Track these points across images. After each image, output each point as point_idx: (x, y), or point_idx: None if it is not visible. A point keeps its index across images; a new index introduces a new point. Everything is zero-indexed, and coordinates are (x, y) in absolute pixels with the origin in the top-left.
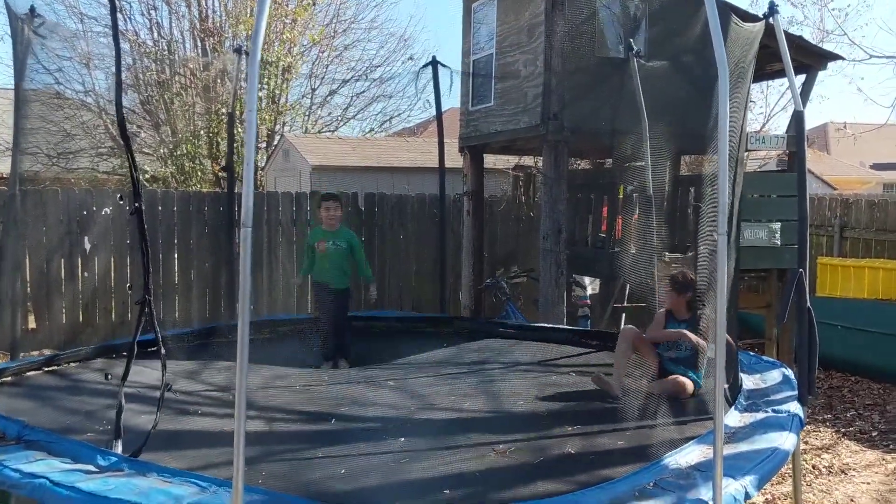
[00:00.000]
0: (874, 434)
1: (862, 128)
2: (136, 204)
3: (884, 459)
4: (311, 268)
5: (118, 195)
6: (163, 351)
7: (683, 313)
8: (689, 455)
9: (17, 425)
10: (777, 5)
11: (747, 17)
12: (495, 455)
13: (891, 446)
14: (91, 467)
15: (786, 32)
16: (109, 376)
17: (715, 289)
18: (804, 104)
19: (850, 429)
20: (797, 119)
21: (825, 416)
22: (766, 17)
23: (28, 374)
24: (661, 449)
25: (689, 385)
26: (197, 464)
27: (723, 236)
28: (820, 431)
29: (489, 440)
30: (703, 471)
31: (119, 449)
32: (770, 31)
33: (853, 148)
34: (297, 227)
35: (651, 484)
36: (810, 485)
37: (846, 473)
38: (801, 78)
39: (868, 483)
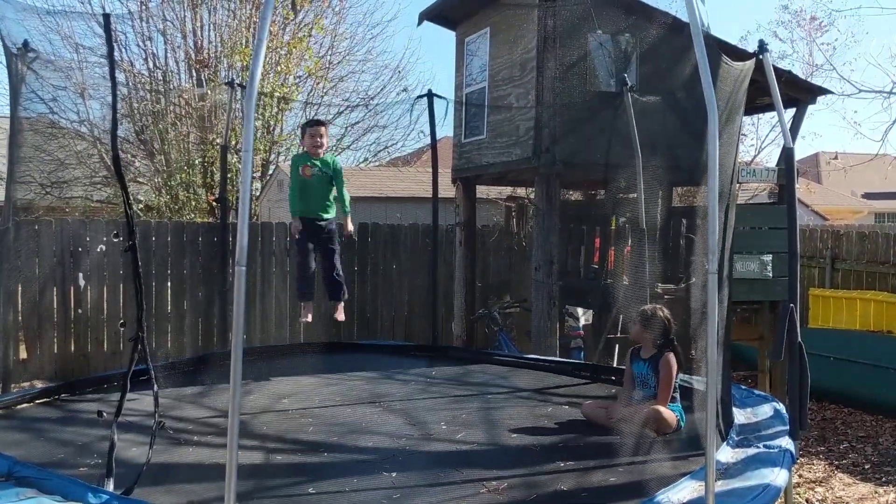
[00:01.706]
0: (867, 466)
1: (852, 159)
2: (130, 242)
3: (876, 492)
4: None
5: (114, 232)
6: (156, 387)
7: (649, 350)
8: (681, 492)
9: (8, 461)
10: (767, 44)
11: (737, 53)
12: (487, 492)
13: (884, 479)
14: None
15: (775, 67)
16: (103, 414)
17: (706, 324)
18: (795, 137)
19: (844, 461)
20: (787, 155)
21: (818, 449)
22: (755, 54)
23: (19, 407)
24: (654, 485)
25: (671, 416)
26: (189, 497)
27: (713, 274)
28: (813, 464)
29: (482, 476)
30: None
31: (111, 486)
32: (760, 67)
33: (845, 178)
34: (290, 257)
35: None
36: None
37: None
38: (792, 111)
39: None
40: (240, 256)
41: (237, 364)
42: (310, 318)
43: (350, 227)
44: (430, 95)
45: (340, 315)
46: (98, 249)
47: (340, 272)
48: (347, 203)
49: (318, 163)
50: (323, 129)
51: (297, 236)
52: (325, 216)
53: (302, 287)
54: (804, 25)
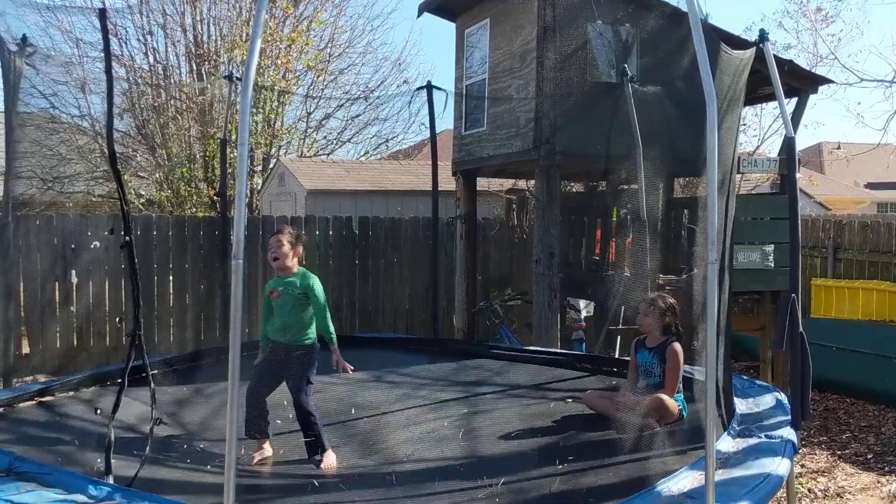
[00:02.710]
0: (869, 456)
1: (855, 148)
2: (127, 238)
3: (879, 482)
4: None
5: (109, 227)
6: (152, 384)
7: (655, 339)
8: (681, 482)
9: (8, 457)
10: (767, 33)
11: (739, 43)
12: (488, 488)
13: (886, 468)
14: (83, 498)
15: (777, 57)
16: (99, 411)
17: (706, 314)
18: (796, 126)
19: (846, 451)
20: (788, 145)
21: (821, 439)
22: (756, 43)
23: (20, 403)
24: (653, 476)
25: (674, 405)
26: (189, 491)
27: (713, 264)
28: (816, 454)
29: (482, 473)
30: (696, 498)
31: (110, 480)
32: (762, 57)
33: (847, 167)
34: None
35: None
36: None
37: (842, 497)
38: (793, 101)
39: None
40: (236, 250)
41: (235, 359)
42: (257, 459)
43: (341, 361)
44: (430, 87)
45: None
46: (93, 245)
47: (312, 415)
48: (329, 329)
49: (285, 284)
50: (281, 237)
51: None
52: (292, 341)
53: (247, 423)
54: (809, 16)
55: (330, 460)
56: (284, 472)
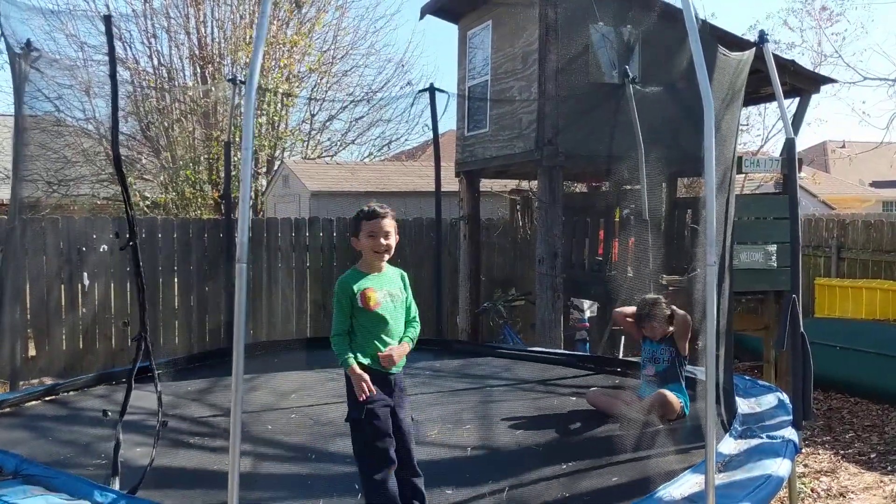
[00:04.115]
0: (873, 456)
1: (859, 147)
2: (131, 242)
3: (882, 482)
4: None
5: (114, 232)
6: (158, 387)
7: (658, 335)
8: (682, 486)
9: (15, 459)
10: (767, 34)
11: (740, 43)
12: (489, 494)
13: (889, 468)
14: None
15: (779, 57)
16: (108, 414)
17: (706, 317)
18: (798, 127)
19: (849, 451)
20: (788, 146)
21: (824, 439)
22: (756, 45)
23: (27, 404)
24: (656, 480)
25: (676, 401)
26: (193, 498)
27: (712, 266)
28: (819, 454)
29: (485, 475)
30: (697, 501)
31: (117, 485)
32: (763, 57)
33: (852, 166)
34: (296, 252)
35: None
36: None
37: (845, 497)
38: (795, 101)
39: None
40: (240, 253)
41: (239, 361)
42: None
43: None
44: (432, 90)
45: None
46: (101, 249)
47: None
48: (416, 328)
49: (384, 282)
50: (388, 221)
51: (365, 396)
52: (402, 366)
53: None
54: (814, 14)
55: None
56: (290, 472)
